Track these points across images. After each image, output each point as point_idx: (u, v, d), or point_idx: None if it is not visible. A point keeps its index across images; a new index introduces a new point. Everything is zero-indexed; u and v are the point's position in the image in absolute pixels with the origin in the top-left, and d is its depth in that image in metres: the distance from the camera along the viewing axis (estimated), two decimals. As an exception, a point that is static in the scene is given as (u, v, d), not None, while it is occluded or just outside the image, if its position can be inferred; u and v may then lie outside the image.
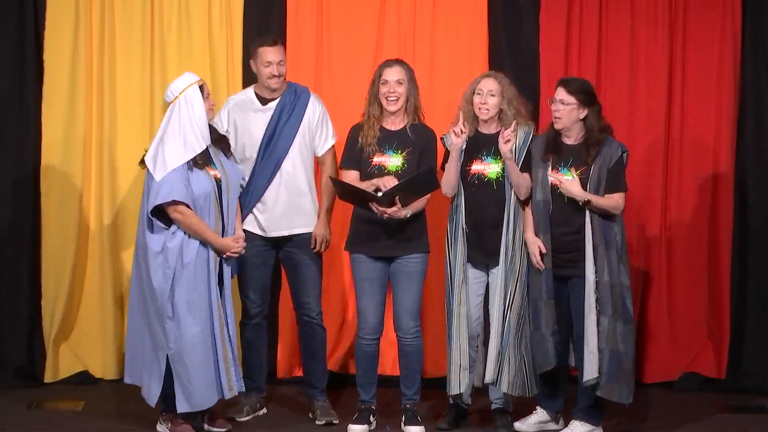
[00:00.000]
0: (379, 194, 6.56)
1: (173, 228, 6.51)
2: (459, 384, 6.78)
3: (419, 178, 6.60)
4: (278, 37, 7.49)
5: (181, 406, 6.54)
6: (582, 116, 6.66)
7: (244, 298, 7.05)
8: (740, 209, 7.90)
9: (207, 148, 6.57)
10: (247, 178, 6.92)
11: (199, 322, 6.48)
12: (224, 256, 6.59)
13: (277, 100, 6.99)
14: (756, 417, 7.30)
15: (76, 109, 7.70)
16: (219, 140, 6.70)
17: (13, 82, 7.68)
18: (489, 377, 6.78)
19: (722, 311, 7.92)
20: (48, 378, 7.73)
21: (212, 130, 6.66)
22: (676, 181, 7.91)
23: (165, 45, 7.74)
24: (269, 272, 7.09)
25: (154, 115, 7.70)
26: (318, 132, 7.04)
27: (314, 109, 7.02)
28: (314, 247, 6.99)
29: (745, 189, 7.88)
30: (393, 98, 6.74)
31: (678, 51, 7.88)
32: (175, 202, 6.44)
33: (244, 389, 6.73)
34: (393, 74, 6.76)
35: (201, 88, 6.57)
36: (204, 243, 6.52)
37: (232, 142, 6.89)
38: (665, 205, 7.92)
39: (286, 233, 6.97)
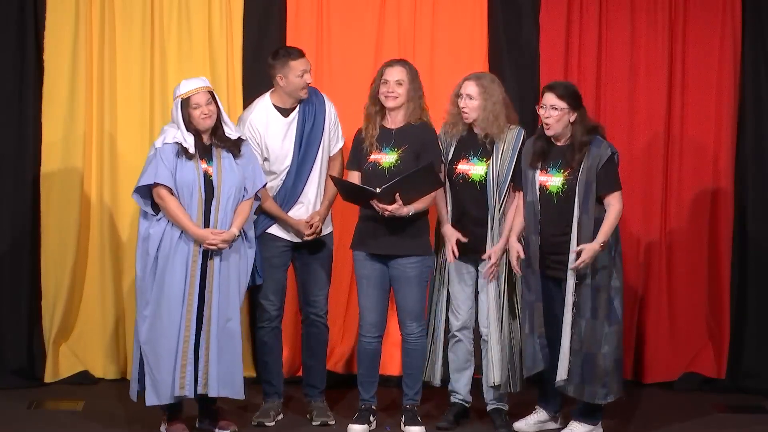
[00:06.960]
0: (378, 191, 6.56)
1: (159, 215, 6.51)
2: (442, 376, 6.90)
3: (418, 174, 6.59)
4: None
5: (150, 399, 6.54)
6: (572, 120, 6.64)
7: (264, 299, 6.96)
8: (740, 209, 7.90)
9: (211, 146, 6.55)
10: (278, 186, 6.86)
11: (171, 314, 6.46)
12: (203, 246, 6.52)
13: (296, 109, 6.91)
14: (756, 417, 7.30)
15: (76, 109, 7.70)
16: (223, 140, 6.60)
17: (13, 82, 7.68)
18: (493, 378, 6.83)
19: (722, 311, 7.92)
20: (48, 378, 7.73)
21: (218, 132, 6.60)
22: (676, 180, 7.90)
23: (165, 45, 7.74)
24: (286, 274, 7.04)
25: (154, 115, 7.70)
26: (332, 133, 7.00)
27: (330, 111, 6.98)
28: (311, 229, 6.86)
29: (745, 189, 7.88)
30: (392, 96, 6.75)
31: (678, 51, 7.88)
32: (157, 185, 6.45)
33: (192, 395, 6.53)
34: (394, 74, 6.75)
35: (187, 101, 6.47)
36: (187, 236, 6.48)
37: (258, 157, 6.80)
38: (665, 204, 7.91)
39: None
